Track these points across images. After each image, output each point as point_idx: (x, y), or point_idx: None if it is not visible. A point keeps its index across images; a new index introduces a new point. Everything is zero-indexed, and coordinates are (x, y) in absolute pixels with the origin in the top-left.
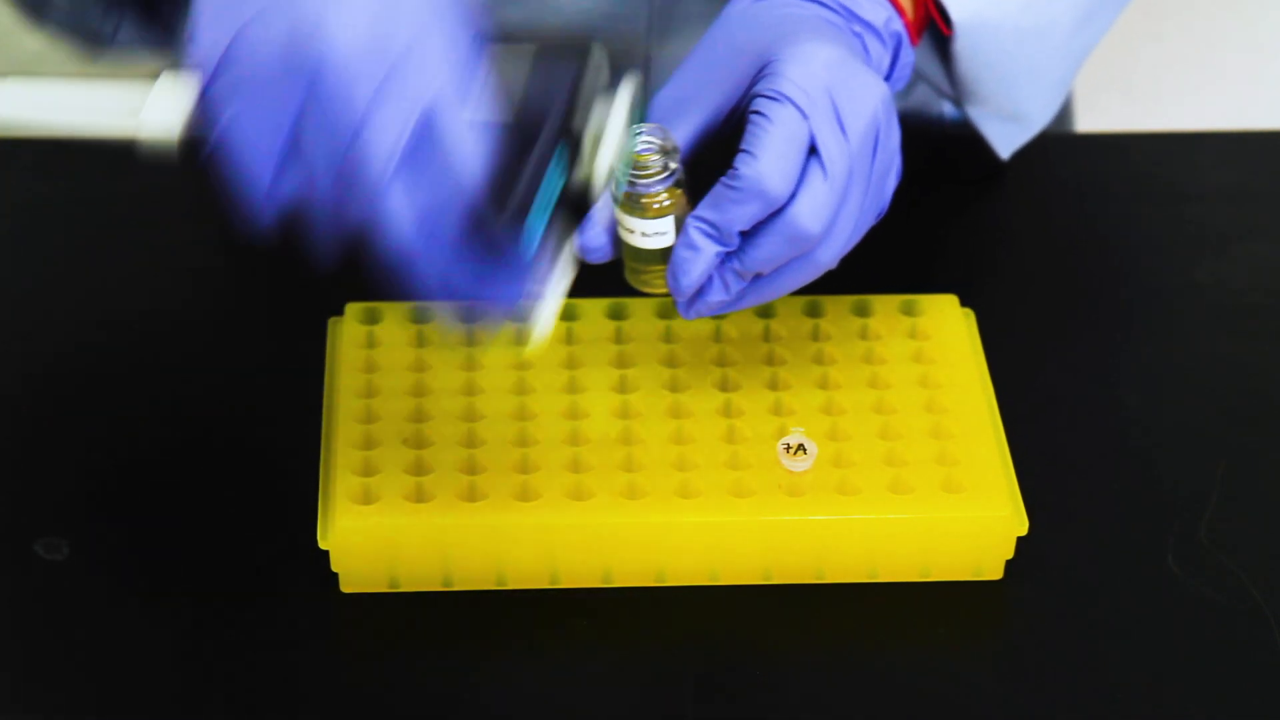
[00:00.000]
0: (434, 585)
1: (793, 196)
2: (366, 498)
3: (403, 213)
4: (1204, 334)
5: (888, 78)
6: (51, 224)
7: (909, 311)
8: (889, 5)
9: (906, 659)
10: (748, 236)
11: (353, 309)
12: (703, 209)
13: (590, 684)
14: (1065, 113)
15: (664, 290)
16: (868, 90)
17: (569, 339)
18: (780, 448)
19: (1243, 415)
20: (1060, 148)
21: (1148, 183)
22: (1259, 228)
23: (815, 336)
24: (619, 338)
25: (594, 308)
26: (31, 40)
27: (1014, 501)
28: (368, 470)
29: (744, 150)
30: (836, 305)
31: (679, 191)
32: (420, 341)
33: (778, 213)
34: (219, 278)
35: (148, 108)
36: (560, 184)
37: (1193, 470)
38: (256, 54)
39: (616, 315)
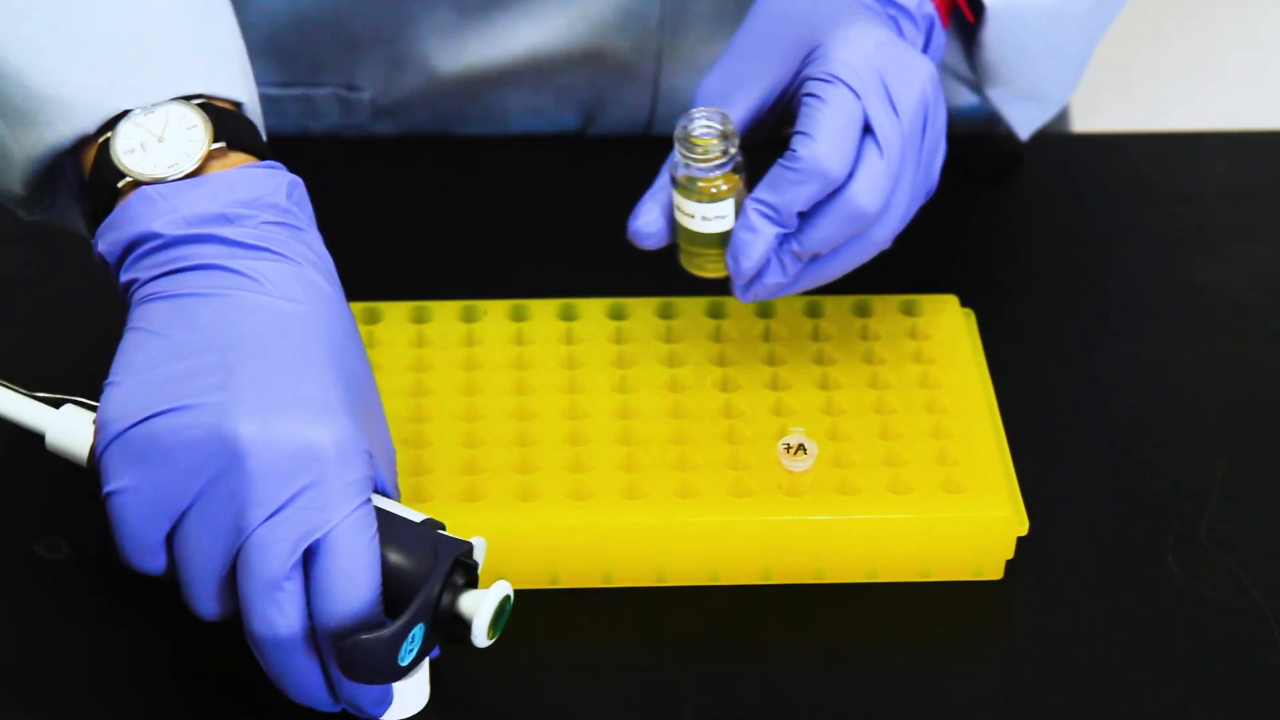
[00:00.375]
0: None
1: (850, 176)
2: None
3: (275, 622)
4: (1204, 334)
5: None
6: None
7: (909, 311)
8: None
9: (906, 659)
10: (806, 217)
11: (352, 309)
12: (762, 191)
13: (590, 684)
14: (1064, 113)
15: (720, 273)
16: (916, 70)
17: (569, 339)
18: (780, 448)
19: (1243, 415)
20: (1060, 148)
21: (1148, 183)
22: (1259, 228)
23: (815, 336)
24: (619, 338)
25: (594, 308)
26: None
27: (1014, 501)
28: None
29: (800, 132)
30: (836, 305)
31: (737, 176)
32: (420, 341)
33: (836, 193)
34: None
35: (52, 433)
36: (423, 643)
37: (1193, 470)
38: (166, 441)
39: (617, 315)
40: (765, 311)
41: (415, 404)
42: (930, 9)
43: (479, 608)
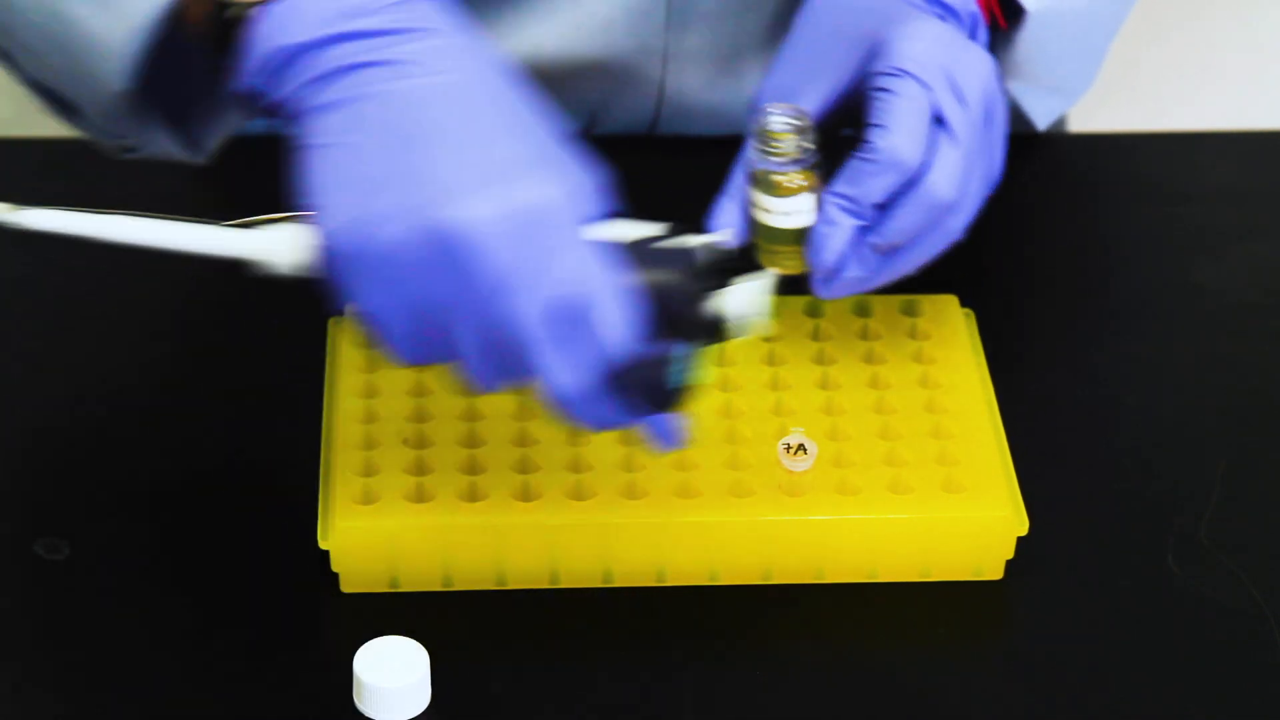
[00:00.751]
0: (434, 585)
1: (925, 166)
2: (367, 498)
3: (553, 374)
4: (1204, 334)
5: None
6: None
7: (909, 311)
8: None
9: (906, 659)
10: (884, 209)
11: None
12: (840, 184)
13: (591, 684)
14: (1063, 113)
15: (798, 269)
16: (978, 62)
17: None
18: (780, 448)
19: (1243, 415)
20: (1059, 148)
21: (1148, 183)
22: (1259, 228)
23: (815, 336)
24: None
25: None
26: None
27: (1014, 501)
28: (368, 470)
29: (875, 124)
30: (836, 305)
31: (813, 172)
32: None
33: (912, 183)
34: (218, 278)
35: (271, 250)
36: (698, 353)
37: (1193, 470)
38: (394, 243)
39: None
40: None
41: (415, 404)
42: (974, 7)
43: (738, 303)
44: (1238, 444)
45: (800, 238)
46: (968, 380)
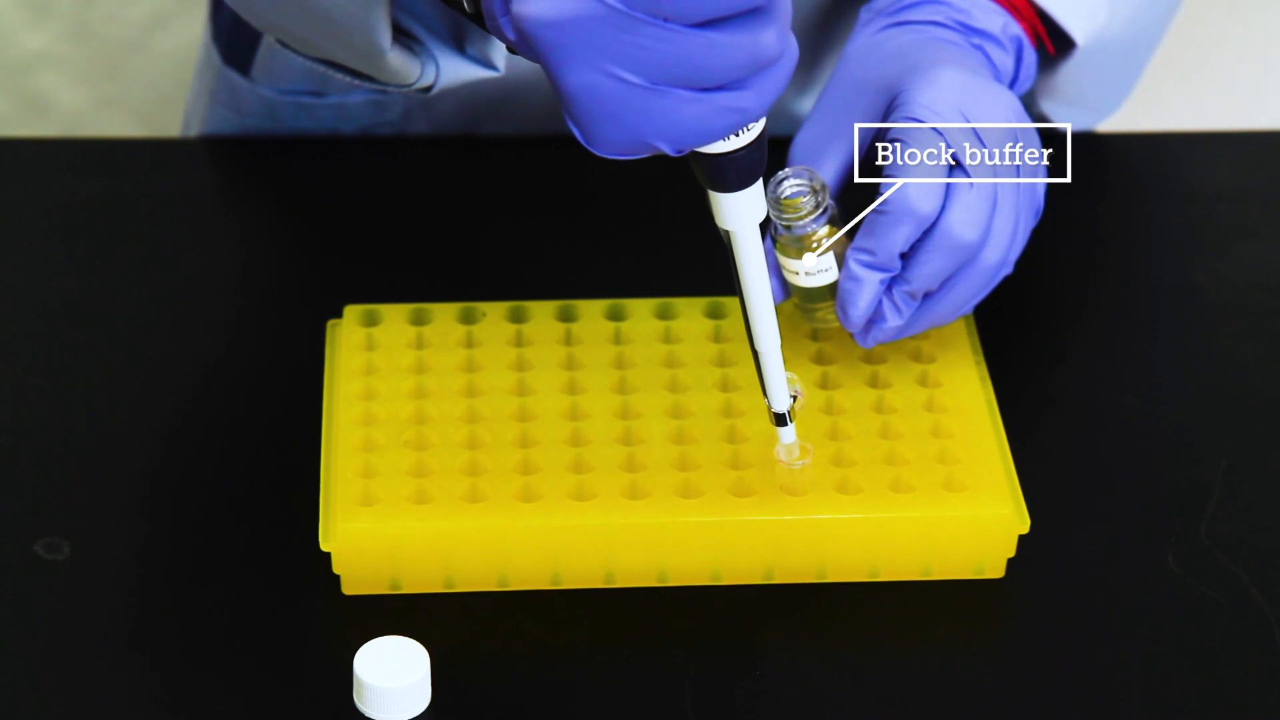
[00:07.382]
0: (436, 587)
1: (943, 210)
2: (368, 500)
3: None
4: (1204, 334)
5: (1014, 80)
6: (49, 226)
7: None
8: (1003, 11)
9: (907, 659)
10: (909, 257)
11: (351, 311)
12: (860, 239)
13: (591, 684)
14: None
15: (838, 324)
16: (997, 101)
17: (569, 340)
18: (778, 452)
19: (1243, 415)
20: (1060, 148)
21: (1148, 183)
22: (1259, 228)
23: (815, 336)
24: (619, 338)
25: (594, 308)
26: (31, 40)
27: (1015, 499)
28: (368, 473)
29: (888, 176)
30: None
31: (834, 228)
32: (420, 343)
33: (932, 228)
34: (217, 281)
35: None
36: None
37: (1193, 470)
38: None
39: (616, 316)
40: None
41: (415, 406)
42: (1016, 30)
43: None
44: (1238, 444)
45: (834, 293)
46: (967, 379)
